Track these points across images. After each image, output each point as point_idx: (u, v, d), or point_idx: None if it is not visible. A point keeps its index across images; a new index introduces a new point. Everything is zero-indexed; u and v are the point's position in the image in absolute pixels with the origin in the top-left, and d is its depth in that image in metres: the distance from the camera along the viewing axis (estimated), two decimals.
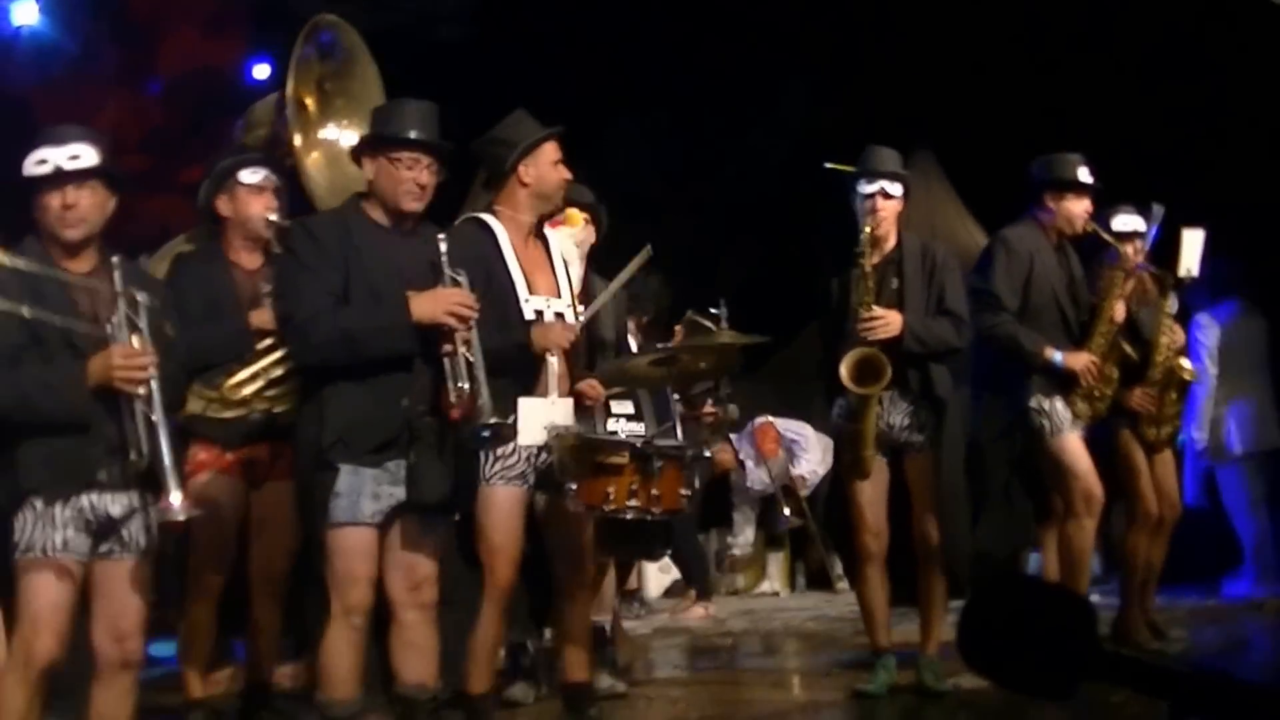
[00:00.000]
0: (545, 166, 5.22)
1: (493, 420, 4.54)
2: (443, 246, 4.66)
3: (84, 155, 4.33)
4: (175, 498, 4.17)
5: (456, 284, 4.65)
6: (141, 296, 4.28)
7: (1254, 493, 8.41)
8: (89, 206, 4.33)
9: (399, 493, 4.55)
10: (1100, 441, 6.48)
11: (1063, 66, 9.75)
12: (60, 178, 4.30)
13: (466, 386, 4.52)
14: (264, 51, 11.37)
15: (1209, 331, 8.23)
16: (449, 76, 11.04)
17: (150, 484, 4.27)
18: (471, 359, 4.56)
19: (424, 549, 4.65)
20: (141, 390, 4.20)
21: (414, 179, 4.66)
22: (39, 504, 4.19)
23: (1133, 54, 9.55)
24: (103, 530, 4.29)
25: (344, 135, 5.79)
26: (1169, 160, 8.71)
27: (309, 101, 5.73)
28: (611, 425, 6.05)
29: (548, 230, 5.50)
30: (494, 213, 5.26)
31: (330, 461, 4.48)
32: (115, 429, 4.24)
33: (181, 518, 4.22)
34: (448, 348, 4.55)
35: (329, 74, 5.81)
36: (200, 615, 5.31)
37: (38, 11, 11.25)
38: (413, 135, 4.69)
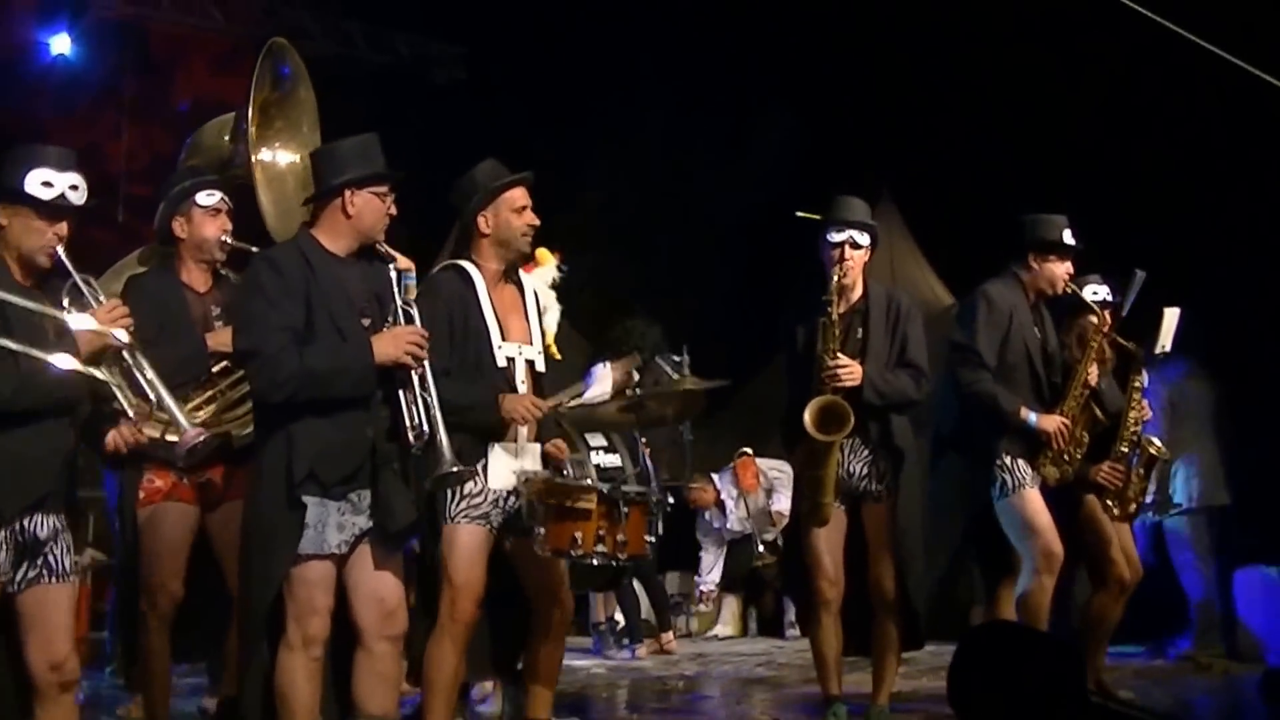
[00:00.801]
0: (505, 214, 5.10)
1: (453, 470, 4.50)
2: (393, 275, 4.61)
3: (80, 187, 4.27)
4: (187, 427, 4.26)
5: (409, 317, 4.59)
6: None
7: (1199, 549, 8.26)
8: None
9: (362, 522, 4.46)
10: (1062, 505, 6.30)
11: (1029, 124, 9.70)
12: (62, 206, 4.23)
13: (426, 429, 4.48)
14: None
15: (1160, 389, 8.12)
16: (442, 117, 11.08)
17: (72, 508, 4.26)
18: (428, 398, 4.50)
19: (392, 578, 4.55)
20: (124, 340, 4.20)
21: (389, 209, 4.68)
22: None
23: (1097, 113, 9.50)
24: (28, 553, 4.18)
25: (278, 155, 5.80)
26: (1129, 222, 8.65)
27: (253, 125, 5.73)
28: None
29: (523, 274, 5.40)
30: (470, 259, 5.20)
31: (299, 497, 4.37)
32: (61, 448, 4.18)
33: (200, 439, 4.27)
34: (406, 395, 4.51)
35: (274, 99, 5.81)
36: (155, 642, 5.19)
37: (70, 43, 11.42)
38: (385, 169, 4.70)
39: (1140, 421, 6.55)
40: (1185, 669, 7.87)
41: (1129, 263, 6.58)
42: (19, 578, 4.18)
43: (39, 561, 4.18)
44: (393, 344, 4.49)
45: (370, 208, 4.64)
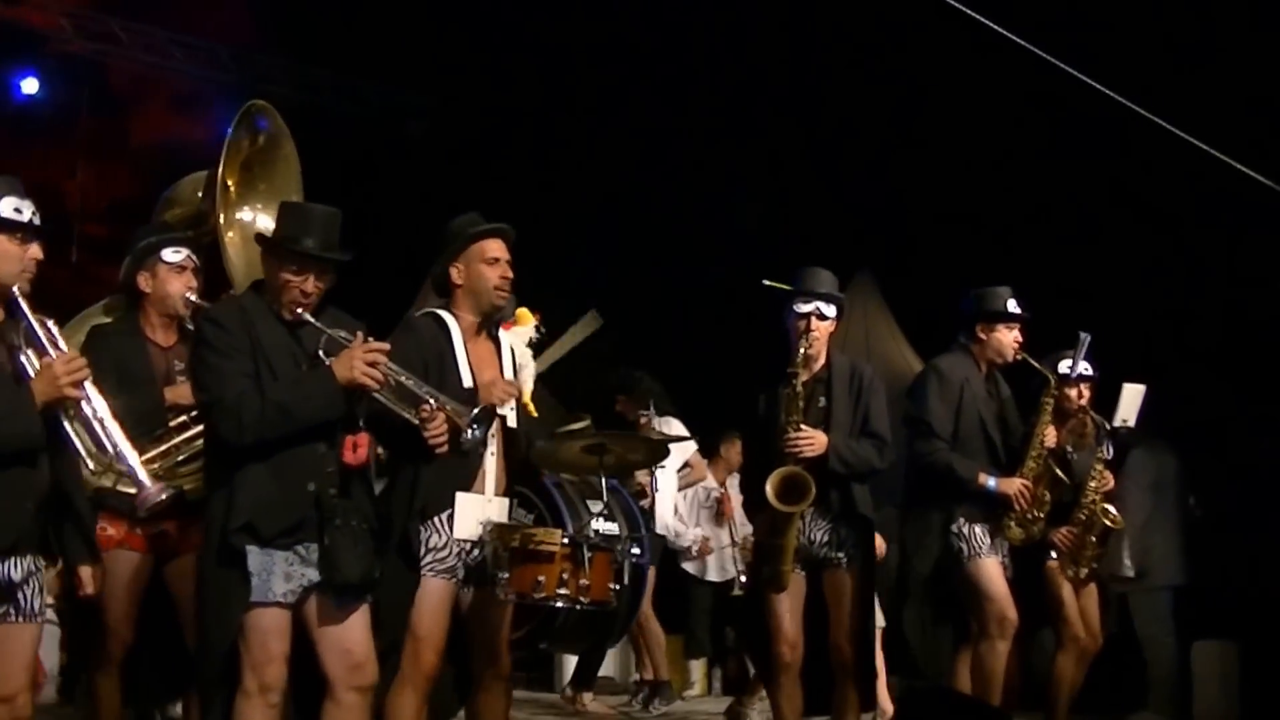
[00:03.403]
0: (477, 265, 5.20)
1: (476, 411, 4.69)
2: (308, 315, 4.69)
3: (25, 210, 4.32)
4: (147, 482, 4.28)
5: (346, 340, 4.66)
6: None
7: (1163, 623, 8.50)
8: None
9: (311, 573, 4.58)
10: (1021, 571, 6.63)
11: (1008, 201, 10.00)
12: (32, 232, 4.32)
13: (431, 403, 4.66)
14: None
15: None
16: (413, 167, 11.25)
17: (45, 548, 4.33)
18: (411, 380, 4.68)
19: (358, 629, 4.66)
20: (81, 393, 4.23)
21: (300, 287, 4.70)
22: None
23: (1077, 191, 9.81)
24: (2, 594, 4.28)
25: (259, 217, 5.85)
26: (1095, 296, 8.95)
27: (231, 182, 5.76)
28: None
29: (501, 332, 5.54)
30: (449, 309, 5.31)
31: (235, 546, 4.50)
32: (30, 494, 4.26)
33: (163, 497, 4.30)
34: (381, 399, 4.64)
35: (256, 158, 5.85)
36: (105, 686, 5.33)
37: (38, 84, 11.49)
38: (309, 246, 4.71)
39: (1100, 491, 6.87)
40: None
41: (1100, 344, 6.89)
42: None
43: (7, 601, 4.26)
44: (347, 364, 4.58)
45: (273, 276, 4.73)
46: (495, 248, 5.24)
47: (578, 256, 10.94)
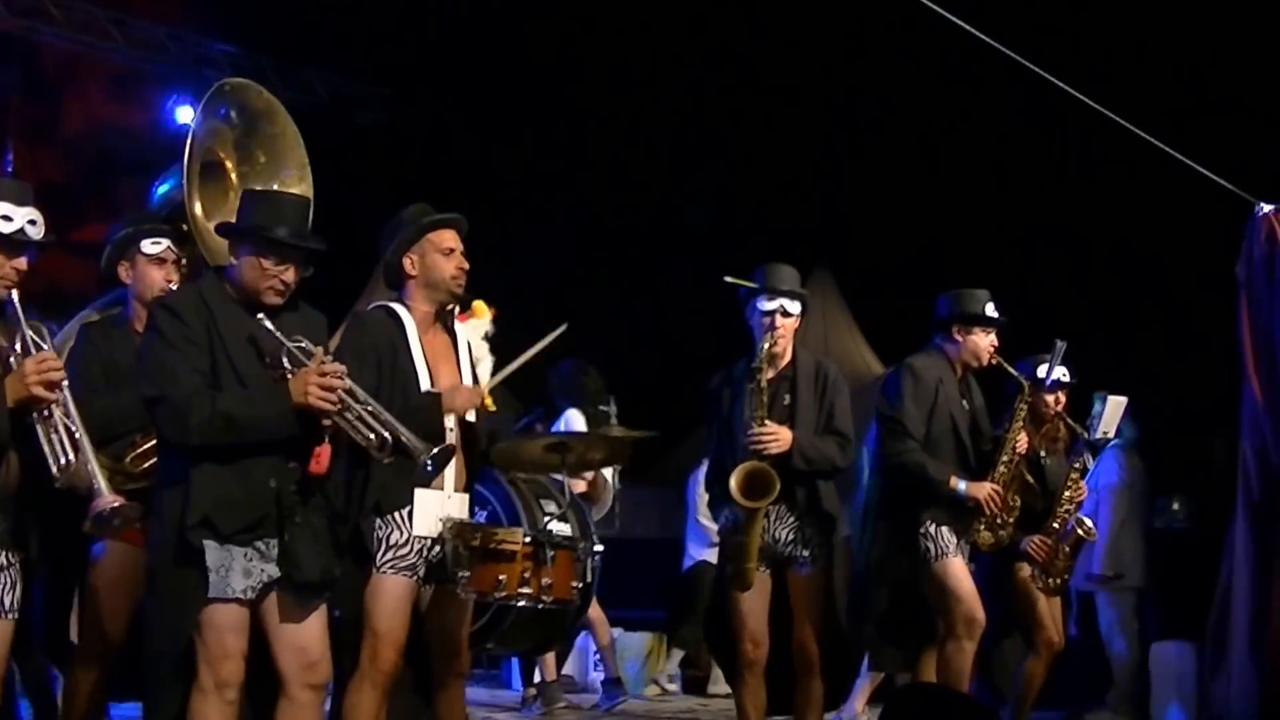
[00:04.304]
0: (432, 256, 5.16)
1: (435, 451, 4.62)
2: (268, 324, 4.60)
3: (39, 222, 4.36)
4: (104, 494, 4.25)
5: (304, 352, 4.59)
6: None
7: (1126, 622, 8.67)
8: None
9: (271, 569, 4.55)
10: (995, 571, 6.72)
11: (967, 198, 10.07)
12: (23, 241, 4.32)
13: (386, 434, 4.55)
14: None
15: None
16: (365, 160, 11.17)
17: (20, 543, 4.31)
18: (370, 408, 4.59)
19: (313, 627, 4.63)
20: (55, 395, 4.23)
21: (280, 277, 4.64)
22: None
23: (1036, 190, 9.89)
24: None
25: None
26: (1064, 300, 9.03)
27: (229, 164, 5.59)
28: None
29: (457, 324, 5.50)
30: (401, 302, 5.27)
31: (193, 542, 4.45)
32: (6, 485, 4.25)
33: (116, 504, 4.27)
34: (328, 423, 4.58)
35: (243, 133, 5.71)
36: (81, 681, 5.24)
37: None
38: (282, 235, 4.64)
39: (1075, 501, 6.92)
40: None
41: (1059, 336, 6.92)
42: None
43: None
44: (300, 387, 4.51)
45: (249, 266, 4.65)
46: (450, 238, 5.21)
47: (529, 251, 10.90)
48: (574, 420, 8.37)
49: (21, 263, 4.35)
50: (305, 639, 4.61)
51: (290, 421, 4.52)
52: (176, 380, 4.46)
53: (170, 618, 4.54)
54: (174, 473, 4.56)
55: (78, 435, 4.28)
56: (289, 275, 4.64)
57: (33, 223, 4.36)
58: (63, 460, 4.26)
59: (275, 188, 5.32)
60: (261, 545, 4.54)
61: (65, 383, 4.30)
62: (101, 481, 4.28)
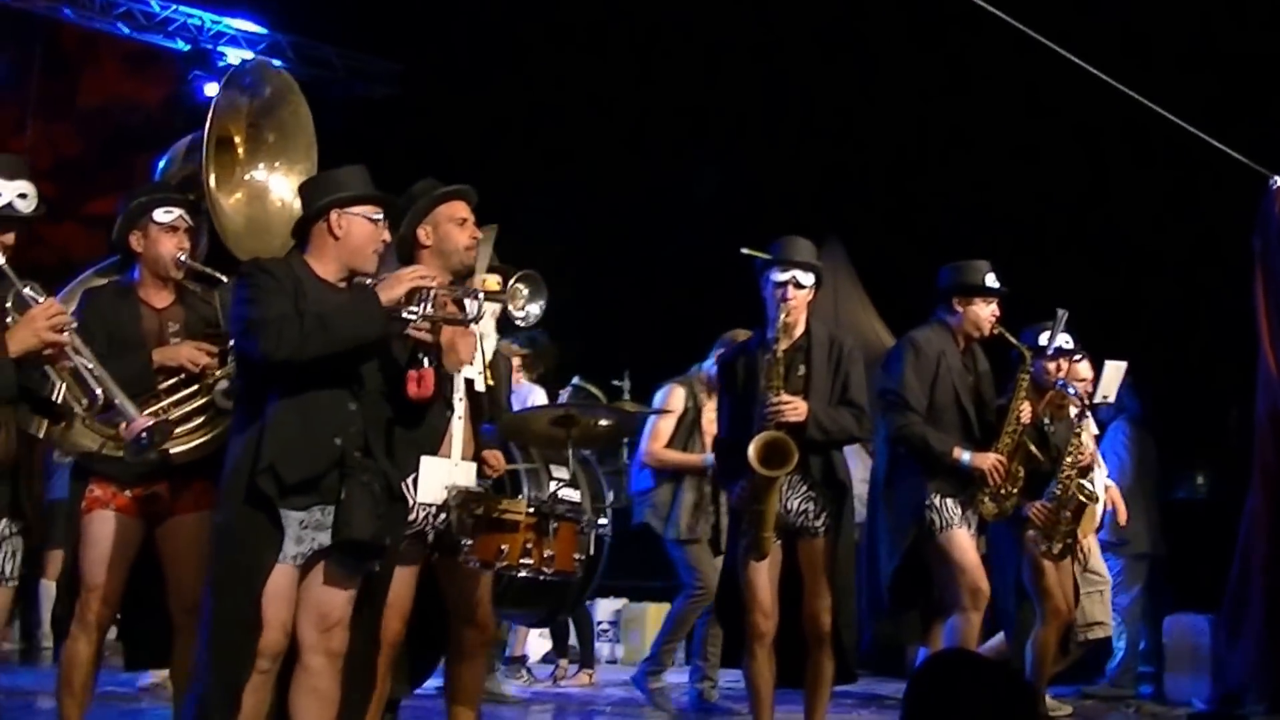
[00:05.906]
0: (445, 226, 5.15)
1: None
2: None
3: (30, 195, 4.34)
4: (135, 416, 4.28)
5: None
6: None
7: (1134, 592, 8.61)
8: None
9: (322, 537, 4.51)
10: (1004, 541, 6.70)
11: (977, 170, 10.00)
12: (9, 216, 4.31)
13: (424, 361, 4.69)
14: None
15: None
16: (377, 133, 11.13)
17: (17, 512, 4.28)
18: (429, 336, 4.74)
19: (340, 594, 4.58)
20: (66, 338, 4.20)
21: (382, 234, 4.79)
22: None
23: (1046, 163, 9.83)
24: None
25: (272, 176, 5.72)
26: (1070, 271, 8.96)
27: (238, 140, 5.64)
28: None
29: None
30: None
31: (263, 488, 4.44)
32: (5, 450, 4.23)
33: (149, 423, 4.30)
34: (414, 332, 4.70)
35: (258, 112, 5.75)
36: (80, 649, 5.19)
37: None
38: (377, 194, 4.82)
39: (1078, 466, 6.87)
40: (1109, 707, 8.25)
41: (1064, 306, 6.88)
42: None
43: None
44: (395, 282, 4.65)
45: (358, 229, 4.74)
46: (462, 208, 5.21)
47: (538, 226, 10.85)
48: (536, 396, 8.33)
49: (9, 237, 4.31)
50: (328, 604, 4.55)
51: (378, 320, 4.59)
52: (272, 305, 4.50)
53: (241, 571, 4.48)
54: (245, 425, 4.56)
55: (98, 374, 4.26)
56: (385, 233, 4.82)
57: (23, 196, 4.33)
58: (87, 399, 4.27)
59: (278, 165, 5.51)
60: (318, 511, 4.51)
61: (74, 325, 4.29)
62: (131, 407, 4.28)
